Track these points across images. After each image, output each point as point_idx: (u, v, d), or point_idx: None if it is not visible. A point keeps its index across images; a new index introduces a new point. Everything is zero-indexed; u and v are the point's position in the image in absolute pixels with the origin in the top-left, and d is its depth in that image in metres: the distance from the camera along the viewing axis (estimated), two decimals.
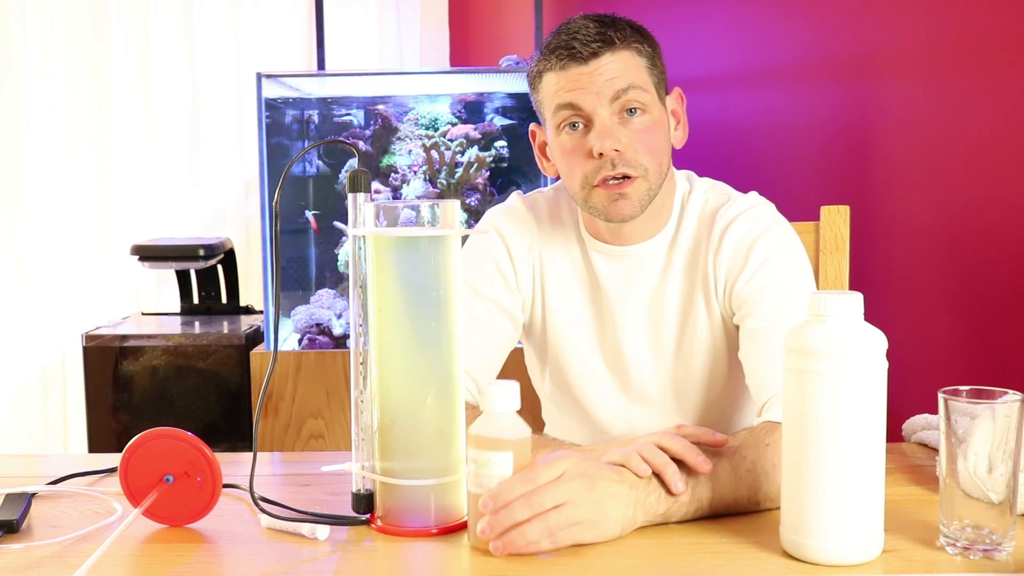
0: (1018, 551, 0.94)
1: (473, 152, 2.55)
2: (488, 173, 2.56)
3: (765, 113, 2.31)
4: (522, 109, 2.62)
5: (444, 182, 2.55)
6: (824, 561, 0.92)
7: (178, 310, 2.85)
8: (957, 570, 0.91)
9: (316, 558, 0.97)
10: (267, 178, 2.37)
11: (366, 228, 1.02)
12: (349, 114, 2.66)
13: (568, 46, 1.24)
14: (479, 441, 0.96)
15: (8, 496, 1.11)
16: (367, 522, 1.04)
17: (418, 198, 2.52)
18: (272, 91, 2.44)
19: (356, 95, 2.69)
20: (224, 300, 2.82)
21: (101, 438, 2.49)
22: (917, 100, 1.80)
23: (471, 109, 2.63)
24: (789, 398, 0.93)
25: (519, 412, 0.98)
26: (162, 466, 1.04)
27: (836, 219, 1.54)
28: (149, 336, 2.50)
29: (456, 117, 2.61)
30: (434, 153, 2.54)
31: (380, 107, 2.62)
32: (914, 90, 1.81)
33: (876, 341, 0.91)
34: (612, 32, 1.24)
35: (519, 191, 1.45)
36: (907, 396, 1.42)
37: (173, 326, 2.67)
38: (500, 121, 2.62)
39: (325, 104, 2.70)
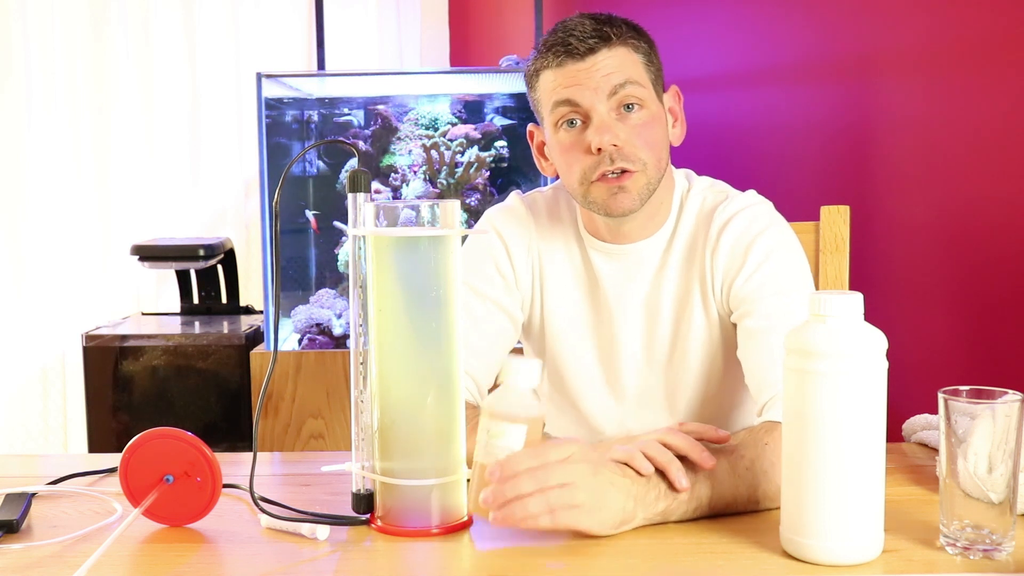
0: (1018, 551, 0.94)
1: (473, 152, 2.55)
2: (488, 173, 2.56)
3: (765, 113, 2.31)
4: (522, 109, 2.62)
5: (444, 182, 2.55)
6: (824, 561, 0.92)
7: (178, 310, 2.85)
8: (957, 570, 0.91)
9: (316, 558, 0.97)
10: (267, 178, 2.37)
11: (366, 228, 1.02)
12: (349, 114, 2.66)
13: (565, 43, 1.24)
14: (495, 412, 0.98)
15: (8, 496, 1.11)
16: (367, 522, 1.04)
17: (418, 198, 2.52)
18: (272, 91, 2.44)
19: (356, 95, 2.69)
20: (224, 300, 2.82)
21: (101, 438, 2.49)
22: (917, 100, 1.80)
23: (471, 109, 2.63)
24: (789, 398, 0.93)
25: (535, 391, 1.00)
26: (162, 466, 1.04)
27: (836, 219, 1.54)
28: (149, 336, 2.50)
29: (456, 117, 2.61)
30: (434, 153, 2.54)
31: (380, 107, 2.62)
32: (914, 90, 1.81)
33: (876, 341, 0.91)
34: (609, 29, 1.24)
35: (518, 191, 1.45)
36: (907, 396, 1.42)
37: (173, 326, 2.67)
38: (500, 121, 2.62)
39: (325, 104, 2.70)
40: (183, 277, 2.80)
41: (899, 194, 1.84)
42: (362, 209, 1.03)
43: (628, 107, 1.25)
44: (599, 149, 1.23)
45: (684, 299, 1.33)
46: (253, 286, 3.01)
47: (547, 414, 1.47)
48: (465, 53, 3.34)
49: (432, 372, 1.02)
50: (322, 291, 2.57)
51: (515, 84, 2.54)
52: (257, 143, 2.35)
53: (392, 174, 2.58)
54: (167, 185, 3.14)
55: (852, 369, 0.90)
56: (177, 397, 2.46)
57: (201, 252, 2.62)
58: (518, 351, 1.44)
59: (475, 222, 1.46)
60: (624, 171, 1.24)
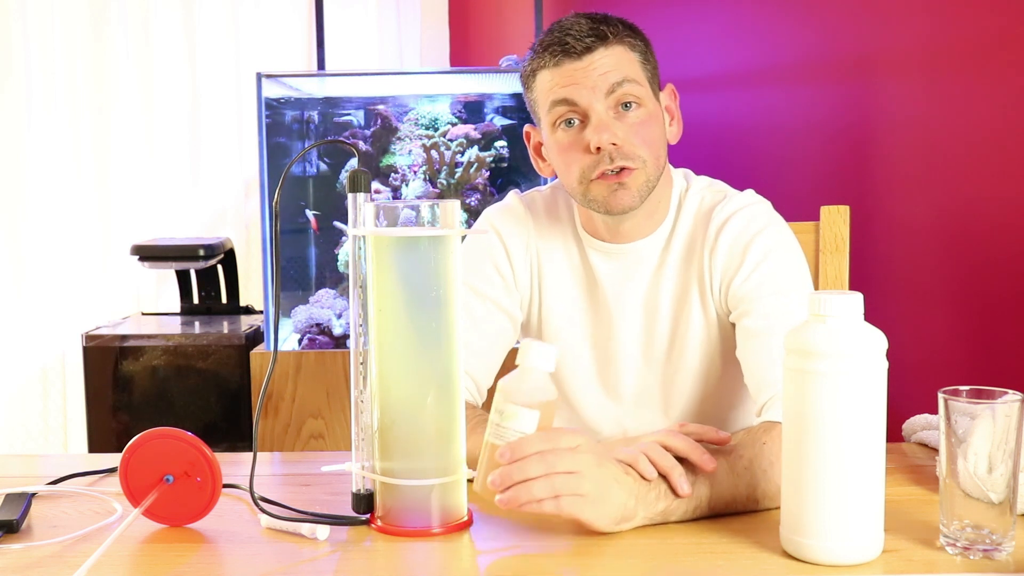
0: (1018, 551, 0.94)
1: (473, 152, 2.55)
2: (488, 173, 2.56)
3: (765, 113, 2.31)
4: (522, 109, 2.62)
5: (444, 182, 2.55)
6: (824, 561, 0.92)
7: (178, 310, 2.85)
8: (957, 570, 0.91)
9: (316, 558, 0.97)
10: (267, 178, 2.37)
11: (366, 228, 1.02)
12: (349, 114, 2.66)
13: (561, 42, 1.24)
14: (509, 394, 0.98)
15: (8, 496, 1.11)
16: (367, 522, 1.04)
17: (418, 198, 2.52)
18: (272, 91, 2.44)
19: (356, 95, 2.68)
20: (224, 300, 2.82)
21: (101, 438, 2.49)
22: (917, 100, 1.80)
23: (471, 109, 2.63)
24: (789, 398, 0.93)
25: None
26: (162, 466, 1.04)
27: (836, 219, 1.54)
28: (149, 336, 2.50)
29: (456, 117, 2.61)
30: (434, 153, 2.54)
31: (380, 107, 2.62)
32: (914, 90, 1.81)
33: (876, 341, 0.91)
34: (605, 27, 1.24)
35: (516, 190, 1.45)
36: (907, 396, 1.42)
37: (173, 326, 2.67)
38: (500, 121, 2.62)
39: (325, 104, 2.70)
40: (183, 277, 2.80)
41: (899, 194, 1.84)
42: (362, 209, 1.03)
43: (626, 105, 1.25)
44: (598, 148, 1.23)
45: (682, 298, 1.33)
46: (253, 286, 3.01)
47: None
48: (465, 53, 3.34)
49: (432, 372, 1.02)
50: (322, 291, 2.57)
51: (515, 84, 2.54)
52: (257, 143, 2.35)
53: (392, 174, 2.58)
54: (167, 185, 3.14)
55: (852, 369, 0.90)
56: (177, 397, 2.46)
57: (201, 252, 2.62)
58: (515, 352, 1.44)
59: (475, 222, 1.46)
60: (623, 169, 1.24)
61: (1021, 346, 1.57)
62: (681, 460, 1.02)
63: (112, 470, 1.23)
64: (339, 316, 2.47)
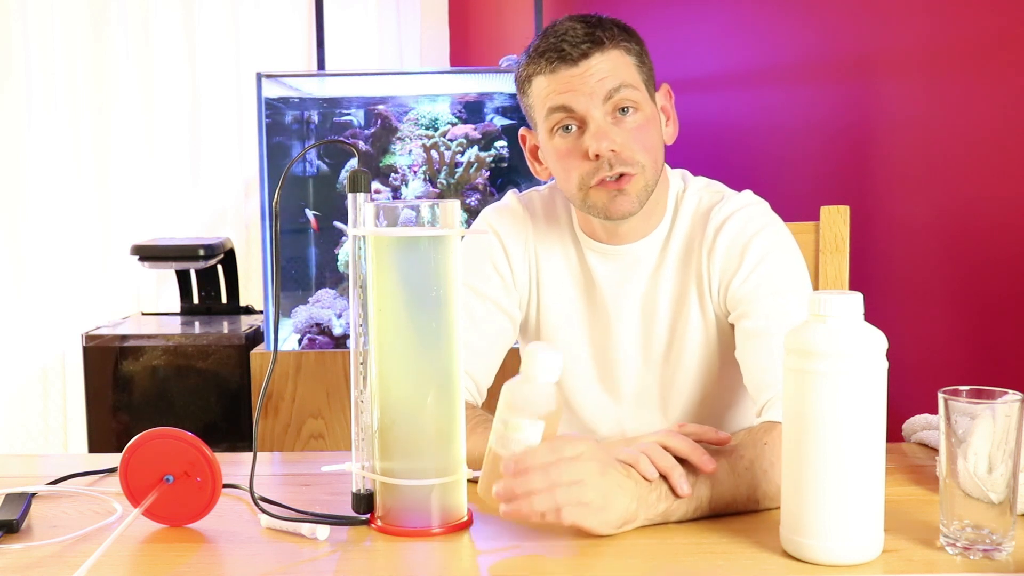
0: (1018, 551, 0.94)
1: (473, 152, 2.55)
2: (488, 173, 2.56)
3: (765, 113, 2.31)
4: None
5: (444, 182, 2.55)
6: (824, 561, 0.92)
7: (178, 310, 2.85)
8: (957, 570, 0.91)
9: (316, 558, 0.97)
10: (267, 178, 2.37)
11: (366, 228, 1.02)
12: (349, 114, 2.66)
13: (557, 48, 1.23)
14: (515, 406, 0.98)
15: (8, 496, 1.11)
16: (367, 522, 1.04)
17: (418, 198, 2.52)
18: (272, 91, 2.43)
19: (356, 95, 2.68)
20: (224, 300, 2.82)
21: (101, 438, 2.49)
22: (917, 100, 1.80)
23: (471, 109, 2.63)
24: (789, 398, 0.93)
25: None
26: (162, 466, 1.04)
27: (836, 219, 1.54)
28: (149, 336, 2.50)
29: (456, 117, 2.61)
30: (434, 153, 2.54)
31: (380, 107, 2.62)
32: (914, 90, 1.81)
33: (876, 341, 0.91)
34: (600, 32, 1.23)
35: (515, 190, 1.45)
36: (907, 396, 1.42)
37: (173, 326, 2.66)
38: (500, 121, 2.62)
39: (325, 104, 2.70)
40: (183, 277, 2.80)
41: (899, 194, 1.84)
42: (362, 209, 1.03)
43: (623, 110, 1.24)
44: (597, 155, 1.23)
45: (680, 299, 1.33)
46: (253, 286, 3.01)
47: None
48: (465, 53, 3.34)
49: (432, 372, 1.02)
50: (322, 291, 2.57)
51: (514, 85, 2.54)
52: (257, 143, 2.35)
53: (392, 174, 2.58)
54: (167, 185, 3.14)
55: (852, 369, 0.90)
56: (177, 397, 2.46)
57: (201, 252, 2.62)
58: (514, 352, 1.44)
59: (473, 222, 1.46)
60: (622, 175, 1.24)
61: (1021, 346, 1.57)
62: (681, 461, 1.02)
63: (112, 470, 1.23)
64: (339, 316, 2.47)
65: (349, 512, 1.05)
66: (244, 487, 1.12)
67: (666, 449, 1.02)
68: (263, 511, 1.04)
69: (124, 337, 2.49)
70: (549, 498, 0.94)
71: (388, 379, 1.02)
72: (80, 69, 3.08)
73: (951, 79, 1.71)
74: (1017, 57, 1.55)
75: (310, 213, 2.64)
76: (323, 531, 1.01)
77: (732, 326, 1.29)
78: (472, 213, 2.52)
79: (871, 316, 0.93)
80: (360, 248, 1.03)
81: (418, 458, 1.01)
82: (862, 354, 0.90)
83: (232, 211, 3.16)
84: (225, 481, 1.06)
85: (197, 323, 2.69)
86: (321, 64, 2.90)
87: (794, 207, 1.54)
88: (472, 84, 2.65)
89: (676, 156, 1.36)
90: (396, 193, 2.56)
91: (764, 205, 1.33)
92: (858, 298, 0.92)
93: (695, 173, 1.40)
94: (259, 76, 2.34)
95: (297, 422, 2.35)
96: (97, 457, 1.34)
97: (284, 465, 1.41)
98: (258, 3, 3.15)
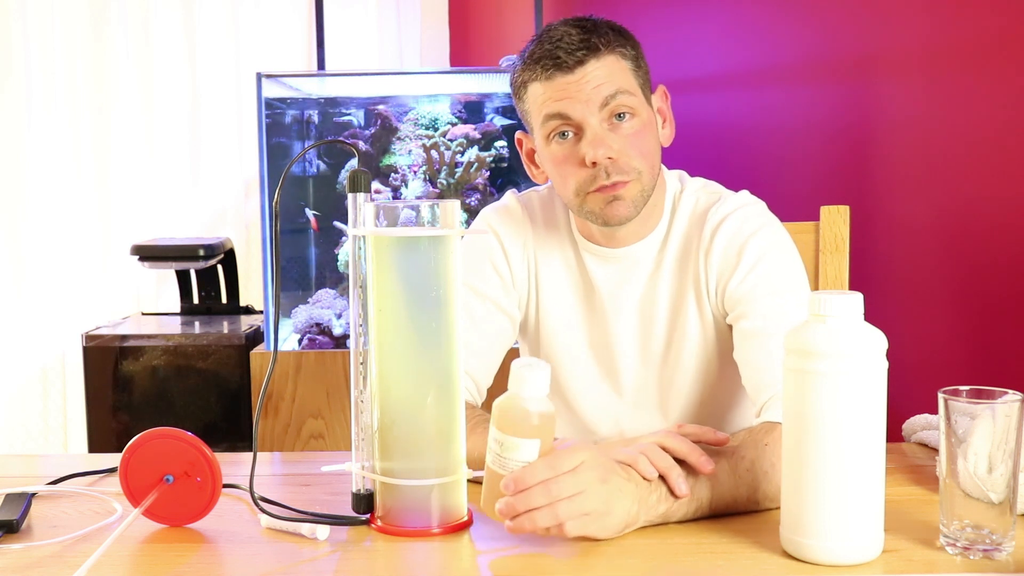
0: (1018, 551, 0.94)
1: (473, 152, 2.55)
2: (488, 173, 2.56)
3: (765, 113, 2.31)
4: None
5: (444, 182, 2.55)
6: (824, 561, 0.92)
7: (178, 310, 2.85)
8: (957, 570, 0.91)
9: (316, 558, 0.97)
10: (267, 178, 2.37)
11: (366, 228, 1.02)
12: (349, 114, 2.66)
13: (553, 55, 1.22)
14: (506, 425, 0.97)
15: (8, 496, 1.11)
16: (367, 522, 1.04)
17: (418, 198, 2.52)
18: (272, 91, 2.43)
19: (356, 95, 2.68)
20: (224, 300, 2.82)
21: (101, 438, 2.49)
22: (917, 100, 1.80)
23: (471, 109, 2.63)
24: (789, 398, 0.93)
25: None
26: (162, 466, 1.04)
27: (836, 219, 1.54)
28: (149, 336, 2.50)
29: (456, 117, 2.61)
30: (434, 153, 2.54)
31: (380, 107, 2.62)
32: (914, 90, 1.81)
33: (876, 341, 0.91)
34: (595, 38, 1.23)
35: (514, 189, 1.45)
36: (907, 396, 1.42)
37: (173, 326, 2.66)
38: (500, 121, 2.62)
39: (325, 104, 2.70)
40: (183, 277, 2.80)
41: (899, 194, 1.84)
42: (362, 209, 1.03)
43: (619, 116, 1.24)
44: (594, 163, 1.23)
45: (678, 301, 1.33)
46: (253, 286, 3.01)
47: None
48: (465, 53, 3.34)
49: (432, 372, 1.02)
50: (322, 291, 2.57)
51: None
52: (257, 143, 2.35)
53: (392, 174, 2.58)
54: (167, 185, 3.14)
55: (852, 369, 0.90)
56: (177, 397, 2.46)
57: (201, 252, 2.62)
58: (514, 352, 1.44)
59: (473, 221, 1.46)
60: (619, 182, 1.24)
61: (1021, 346, 1.57)
62: (680, 462, 1.02)
63: (112, 470, 1.23)
64: (339, 316, 2.47)
65: (349, 512, 1.05)
66: (244, 487, 1.12)
67: (665, 450, 1.02)
68: (263, 511, 1.04)
69: (124, 337, 2.49)
70: (551, 514, 0.94)
71: (388, 379, 1.02)
72: (80, 69, 3.08)
73: (951, 79, 1.71)
74: (1017, 57, 1.55)
75: (310, 213, 2.64)
76: (323, 531, 1.01)
77: (730, 327, 1.29)
78: (472, 213, 2.52)
79: (871, 316, 0.93)
80: (360, 248, 1.03)
81: (418, 458, 1.01)
82: (862, 354, 0.90)
83: (232, 211, 3.16)
84: (225, 481, 1.06)
85: (197, 323, 2.69)
86: (321, 64, 2.90)
87: (794, 207, 1.54)
88: (472, 84, 2.65)
89: (676, 156, 1.36)
90: (396, 193, 2.56)
91: (761, 205, 1.33)
92: (858, 298, 0.92)
93: (695, 173, 1.40)
94: (259, 76, 2.34)
95: (297, 422, 2.35)
96: (97, 457, 1.34)
97: (284, 465, 1.41)
98: (258, 3, 3.15)
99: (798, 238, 1.34)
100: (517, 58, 1.28)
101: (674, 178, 1.37)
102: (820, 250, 1.54)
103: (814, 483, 0.91)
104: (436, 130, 2.59)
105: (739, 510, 1.05)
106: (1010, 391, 0.93)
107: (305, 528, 1.01)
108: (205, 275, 2.79)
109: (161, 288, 3.13)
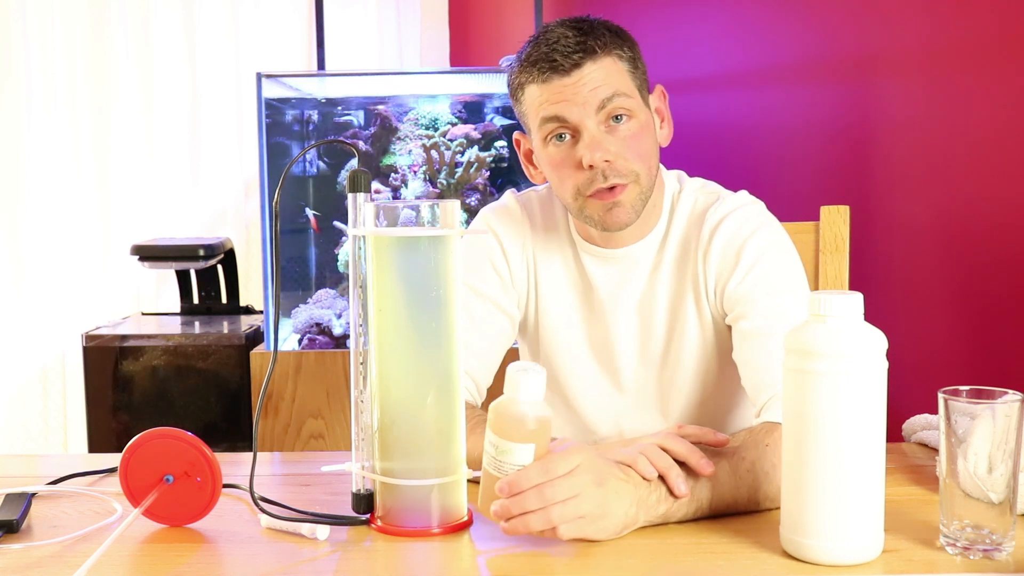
0: (1018, 551, 0.94)
1: (473, 152, 2.55)
2: (488, 173, 2.56)
3: (765, 113, 2.31)
4: None
5: (444, 182, 2.55)
6: (824, 561, 0.92)
7: (178, 310, 2.85)
8: (957, 570, 0.91)
9: (316, 558, 0.97)
10: (267, 178, 2.37)
11: (366, 228, 1.02)
12: (349, 114, 2.66)
13: (549, 58, 1.22)
14: (502, 429, 0.97)
15: (8, 496, 1.11)
16: (367, 522, 1.04)
17: (418, 198, 2.52)
18: (272, 91, 2.43)
19: (356, 95, 2.68)
20: (224, 300, 2.82)
21: (101, 438, 2.49)
22: (917, 100, 1.80)
23: (471, 109, 2.63)
24: (789, 398, 0.93)
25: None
26: (162, 466, 1.04)
27: (836, 219, 1.54)
28: (149, 336, 2.50)
29: (456, 117, 2.61)
30: (434, 153, 2.54)
31: (380, 107, 2.62)
32: (914, 90, 1.81)
33: (876, 341, 0.91)
34: (592, 41, 1.22)
35: (513, 189, 1.45)
36: (907, 396, 1.42)
37: (173, 326, 2.66)
38: (500, 121, 2.62)
39: (325, 104, 2.70)
40: (183, 277, 2.80)
41: (899, 194, 1.84)
42: (362, 209, 1.03)
43: (616, 118, 1.23)
44: (591, 166, 1.22)
45: (677, 301, 1.33)
46: (253, 286, 3.01)
47: None
48: (465, 53, 3.34)
49: (432, 372, 1.02)
50: (322, 291, 2.57)
51: None
52: (257, 143, 2.35)
53: (392, 174, 2.58)
54: (167, 185, 3.14)
55: (852, 369, 0.90)
56: (177, 397, 2.46)
57: (201, 252, 2.62)
58: (513, 352, 1.44)
59: (472, 221, 1.46)
60: (617, 185, 1.24)
61: (1021, 346, 1.57)
62: (680, 463, 1.02)
63: (112, 470, 1.23)
64: (339, 316, 2.47)
65: (349, 512, 1.05)
66: (244, 487, 1.12)
67: (664, 451, 1.02)
68: (263, 511, 1.04)
69: (124, 337, 2.49)
70: (544, 518, 0.94)
71: (388, 379, 1.02)
72: (80, 69, 3.08)
73: (951, 79, 1.71)
74: (1017, 57, 1.55)
75: (310, 213, 2.64)
76: (323, 531, 1.01)
77: (729, 327, 1.29)
78: (472, 213, 2.52)
79: (871, 316, 0.93)
80: (360, 248, 1.03)
81: (418, 458, 1.01)
82: (862, 354, 0.90)
83: (232, 211, 3.16)
84: (225, 481, 1.06)
85: (197, 323, 2.69)
86: (321, 64, 2.90)
87: (794, 207, 1.54)
88: (472, 84, 2.65)
89: (676, 156, 1.36)
90: (396, 193, 2.56)
91: (760, 205, 1.33)
92: (858, 298, 0.92)
93: (695, 173, 1.40)
94: (259, 76, 2.34)
95: (297, 422, 2.35)
96: (97, 457, 1.34)
97: (284, 465, 1.41)
98: (258, 3, 3.15)
99: (798, 238, 1.34)
100: (514, 58, 1.28)
101: (672, 178, 1.37)
102: (820, 250, 1.54)
103: (814, 483, 0.91)
104: (436, 130, 2.59)
105: (739, 511, 1.05)
106: (1010, 391, 0.93)
107: (305, 528, 1.01)
108: (205, 275, 2.79)
109: (161, 288, 3.13)
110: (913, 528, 1.00)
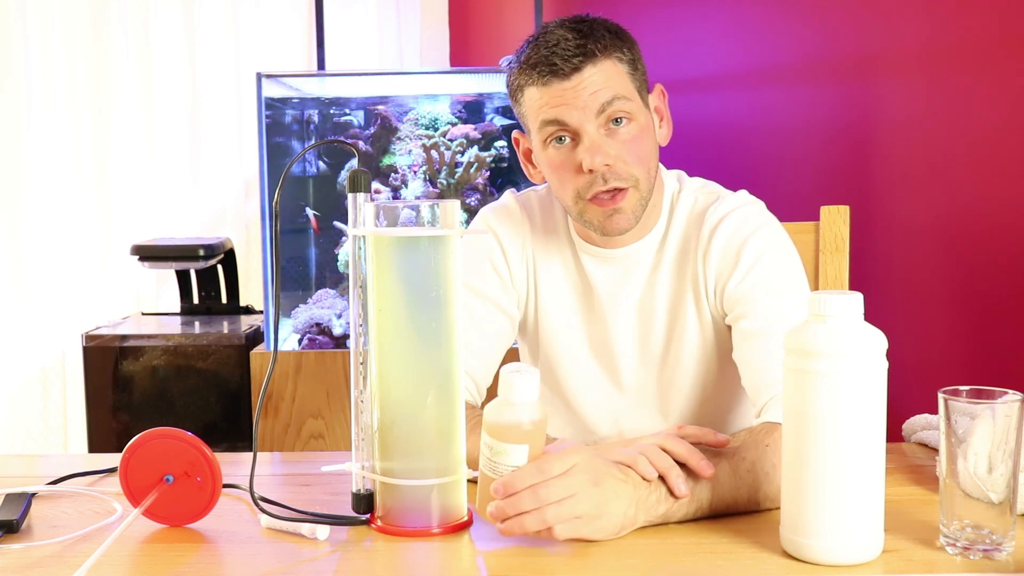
0: (1018, 551, 0.94)
1: (473, 152, 2.55)
2: (488, 173, 2.56)
3: (765, 113, 2.31)
4: None
5: (444, 182, 2.55)
6: (824, 561, 0.92)
7: (178, 310, 2.85)
8: (957, 570, 0.91)
9: (316, 558, 0.97)
10: (267, 178, 2.37)
11: (366, 228, 1.02)
12: (349, 114, 2.66)
13: (549, 62, 1.21)
14: (496, 431, 0.97)
15: (8, 496, 1.11)
16: (367, 522, 1.04)
17: (418, 198, 2.52)
18: (272, 91, 2.43)
19: (356, 95, 2.68)
20: (224, 300, 2.82)
21: (101, 438, 2.49)
22: (917, 100, 1.80)
23: (471, 109, 2.63)
24: (789, 398, 0.93)
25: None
26: (162, 466, 1.04)
27: (836, 219, 1.54)
28: (149, 336, 2.50)
29: (456, 117, 2.61)
30: (434, 153, 2.54)
31: (380, 107, 2.62)
32: (914, 90, 1.81)
33: (876, 341, 0.91)
34: (592, 44, 1.21)
35: (512, 189, 1.44)
36: (907, 396, 1.42)
37: (173, 326, 2.67)
38: (500, 121, 2.62)
39: (325, 104, 2.70)
40: (183, 277, 2.80)
41: (899, 194, 1.84)
42: (362, 209, 1.03)
43: (616, 121, 1.23)
44: (591, 170, 1.22)
45: (677, 301, 1.33)
46: (253, 286, 3.01)
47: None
48: (465, 53, 3.34)
49: (432, 372, 1.02)
50: (322, 291, 2.57)
51: None
52: (257, 143, 2.35)
53: (392, 174, 2.58)
54: (167, 185, 3.14)
55: (852, 369, 0.90)
56: (177, 397, 2.46)
57: (201, 252, 2.62)
58: (513, 352, 1.44)
59: (472, 220, 1.46)
60: (617, 190, 1.23)
61: (1021, 346, 1.57)
62: (680, 464, 1.02)
63: (112, 470, 1.23)
64: (339, 316, 2.47)
65: (349, 512, 1.05)
66: (244, 487, 1.12)
67: (664, 451, 1.02)
68: (263, 511, 1.04)
69: (124, 337, 2.49)
70: (539, 518, 0.94)
71: (388, 379, 1.02)
72: (80, 69, 3.08)
73: (951, 79, 1.71)
74: (1017, 57, 1.55)
75: (310, 213, 2.64)
76: (323, 531, 1.01)
77: (729, 327, 1.29)
78: (472, 213, 2.52)
79: (871, 316, 0.93)
80: (360, 248, 1.03)
81: (418, 458, 1.01)
82: (862, 354, 0.90)
83: (232, 211, 3.16)
84: (225, 481, 1.07)
85: (197, 323, 2.69)
86: (321, 64, 2.90)
87: (794, 207, 1.54)
88: (472, 84, 2.65)
89: (676, 156, 1.36)
90: (396, 193, 2.56)
91: (759, 205, 1.33)
92: (858, 298, 0.92)
93: (695, 173, 1.40)
94: (259, 76, 2.34)
95: (297, 422, 2.35)
96: (97, 457, 1.34)
97: (284, 465, 1.41)
98: (258, 3, 3.15)
99: (798, 238, 1.34)
100: (513, 58, 1.28)
101: (672, 178, 1.37)
102: (820, 250, 1.54)
103: (814, 483, 0.91)
104: (436, 130, 2.59)
105: (739, 511, 1.05)
106: (1010, 391, 0.93)
107: (305, 528, 1.01)
108: (205, 275, 2.79)
109: (161, 288, 3.13)
110: (913, 528, 1.00)
